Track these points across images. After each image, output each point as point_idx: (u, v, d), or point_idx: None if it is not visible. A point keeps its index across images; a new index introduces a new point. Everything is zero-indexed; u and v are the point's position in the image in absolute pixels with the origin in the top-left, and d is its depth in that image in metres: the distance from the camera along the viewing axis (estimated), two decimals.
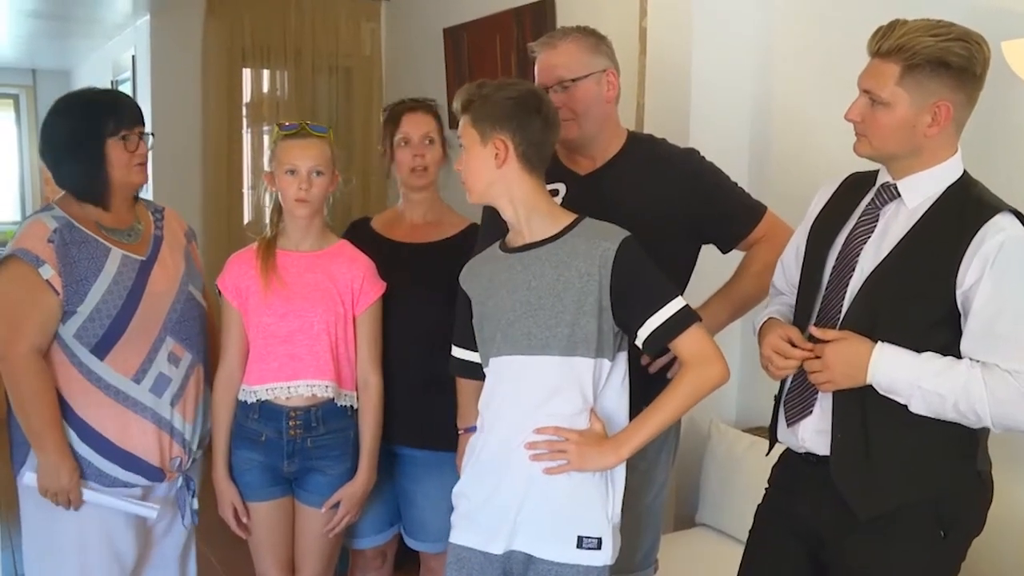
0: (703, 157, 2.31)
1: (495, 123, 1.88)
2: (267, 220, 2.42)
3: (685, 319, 1.84)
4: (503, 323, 1.92)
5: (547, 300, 1.87)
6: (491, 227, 2.20)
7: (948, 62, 1.69)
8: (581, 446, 1.84)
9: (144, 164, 2.30)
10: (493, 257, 2.00)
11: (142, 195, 2.45)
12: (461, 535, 1.98)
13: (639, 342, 1.88)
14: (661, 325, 1.83)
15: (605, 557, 1.89)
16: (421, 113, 2.53)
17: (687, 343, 1.84)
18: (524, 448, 1.87)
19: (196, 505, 2.42)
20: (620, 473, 1.92)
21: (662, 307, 1.84)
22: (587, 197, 2.19)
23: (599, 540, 1.88)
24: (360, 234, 2.58)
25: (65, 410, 2.20)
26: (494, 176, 1.90)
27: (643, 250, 1.88)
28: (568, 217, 1.94)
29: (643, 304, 1.85)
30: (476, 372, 2.06)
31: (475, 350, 2.04)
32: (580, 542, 1.87)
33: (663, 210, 2.17)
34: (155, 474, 2.29)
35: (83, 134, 2.22)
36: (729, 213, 2.26)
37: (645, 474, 2.26)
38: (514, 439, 1.89)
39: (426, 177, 2.53)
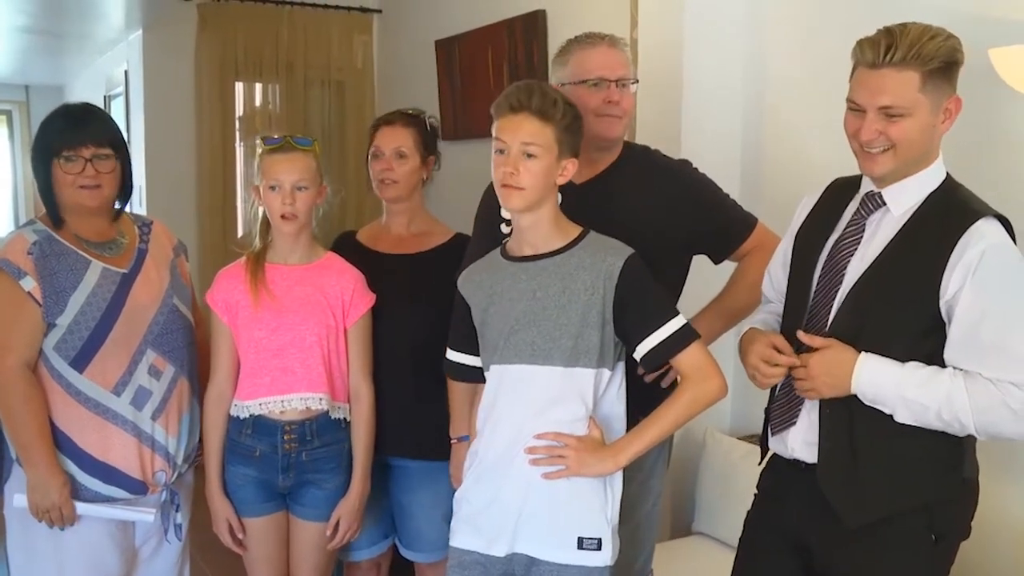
0: (696, 168, 2.33)
1: (574, 146, 1.92)
2: (255, 233, 2.41)
3: (686, 337, 1.88)
4: (505, 331, 1.93)
5: (552, 311, 1.88)
6: (485, 231, 2.20)
7: (956, 60, 1.72)
8: (580, 452, 1.87)
9: (94, 188, 2.22)
10: (494, 265, 2.01)
11: (137, 209, 2.45)
12: (463, 539, 2.00)
13: (637, 357, 1.90)
14: (662, 342, 1.86)
15: (605, 558, 1.92)
16: (398, 126, 2.52)
17: (687, 359, 1.88)
18: (524, 453, 1.90)
19: (180, 520, 2.40)
20: (619, 476, 1.94)
21: (663, 324, 1.87)
22: (582, 206, 2.19)
23: (599, 541, 1.91)
24: (346, 247, 2.58)
25: (51, 426, 2.18)
26: (551, 189, 1.92)
27: (646, 267, 1.90)
28: (575, 230, 1.95)
29: (645, 321, 1.88)
30: (470, 375, 2.08)
31: (471, 353, 2.06)
32: (581, 543, 1.90)
33: (657, 221, 2.19)
34: (137, 487, 2.27)
35: (37, 152, 2.24)
36: (722, 225, 2.28)
37: (642, 484, 2.26)
38: (515, 445, 1.92)
39: (395, 190, 2.52)
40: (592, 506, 1.91)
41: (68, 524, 2.19)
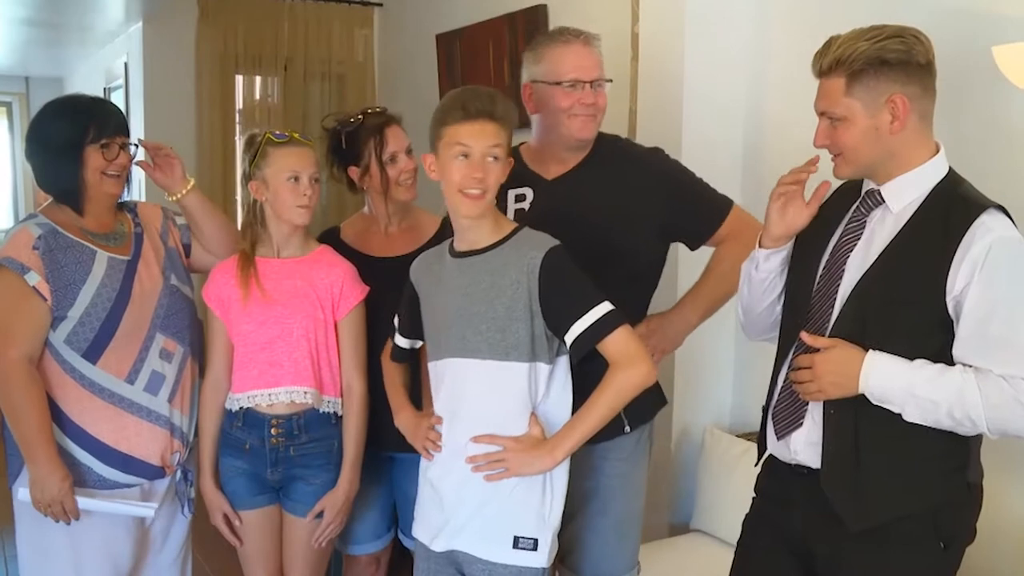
0: (668, 155, 2.33)
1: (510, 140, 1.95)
2: (241, 230, 2.40)
3: (611, 322, 1.89)
4: (441, 326, 1.98)
5: (480, 306, 1.92)
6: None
7: (887, 59, 1.70)
8: (518, 453, 1.90)
9: (120, 176, 2.30)
10: (442, 257, 2.05)
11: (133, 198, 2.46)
12: (415, 529, 2.07)
13: (567, 345, 1.92)
14: (587, 328, 1.88)
15: (541, 559, 1.93)
16: (397, 126, 2.51)
17: (613, 345, 1.89)
18: (465, 462, 1.93)
19: (193, 495, 2.43)
20: (560, 476, 1.96)
21: (587, 311, 1.88)
22: (555, 202, 2.21)
23: (535, 541, 1.93)
24: (333, 248, 2.53)
25: (61, 417, 2.20)
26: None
27: (570, 258, 1.92)
28: (509, 226, 1.99)
29: (570, 309, 1.90)
30: (410, 356, 2.17)
31: (417, 338, 2.13)
32: (516, 542, 1.92)
33: (628, 211, 2.19)
34: (155, 473, 2.30)
35: (65, 138, 2.23)
36: (695, 211, 2.28)
37: (622, 478, 2.28)
38: (455, 442, 1.96)
39: (414, 189, 2.51)
40: (530, 505, 1.93)
41: (73, 518, 2.19)
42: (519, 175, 2.20)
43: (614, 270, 2.06)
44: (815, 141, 1.81)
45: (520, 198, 2.24)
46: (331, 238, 2.57)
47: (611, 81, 2.26)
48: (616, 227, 2.16)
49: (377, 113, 2.54)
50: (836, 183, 1.94)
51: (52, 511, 2.17)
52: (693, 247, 2.35)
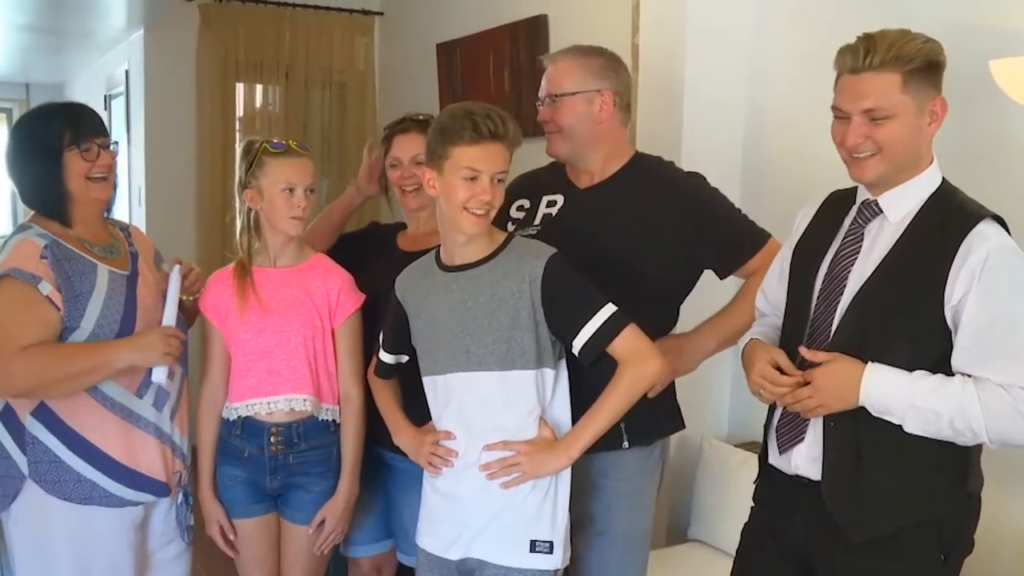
0: (707, 183, 2.30)
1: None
2: (246, 236, 2.40)
3: (617, 324, 1.91)
4: (442, 341, 1.98)
5: (483, 319, 1.93)
6: None
7: (938, 62, 1.72)
8: (532, 455, 1.92)
9: (107, 179, 2.24)
10: (430, 272, 2.05)
11: (137, 209, 2.44)
12: (424, 540, 2.07)
13: (575, 351, 1.93)
14: (594, 333, 1.90)
15: (556, 562, 1.96)
16: (412, 134, 2.50)
17: (622, 345, 1.92)
18: (479, 470, 1.95)
19: (192, 521, 2.41)
20: (564, 478, 1.98)
21: (593, 316, 1.91)
22: (583, 210, 2.23)
23: (551, 544, 1.95)
24: (378, 236, 2.63)
25: (68, 433, 2.17)
26: None
27: (569, 265, 1.93)
28: (500, 236, 2.00)
29: (575, 316, 1.92)
30: (395, 371, 2.20)
31: (403, 353, 2.15)
32: (533, 546, 1.95)
33: (654, 233, 2.19)
34: (161, 489, 2.29)
35: (40, 147, 2.18)
36: (725, 241, 2.26)
37: (627, 498, 2.26)
38: (466, 453, 1.97)
39: (419, 198, 2.50)
40: (544, 509, 1.95)
41: (182, 339, 2.23)
42: (555, 182, 2.27)
43: (628, 290, 2.06)
44: (849, 141, 1.74)
45: (551, 203, 2.28)
46: (385, 229, 2.69)
47: (561, 96, 2.23)
48: (636, 245, 2.16)
49: (402, 120, 2.58)
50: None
51: (168, 354, 2.15)
52: (721, 276, 2.33)
